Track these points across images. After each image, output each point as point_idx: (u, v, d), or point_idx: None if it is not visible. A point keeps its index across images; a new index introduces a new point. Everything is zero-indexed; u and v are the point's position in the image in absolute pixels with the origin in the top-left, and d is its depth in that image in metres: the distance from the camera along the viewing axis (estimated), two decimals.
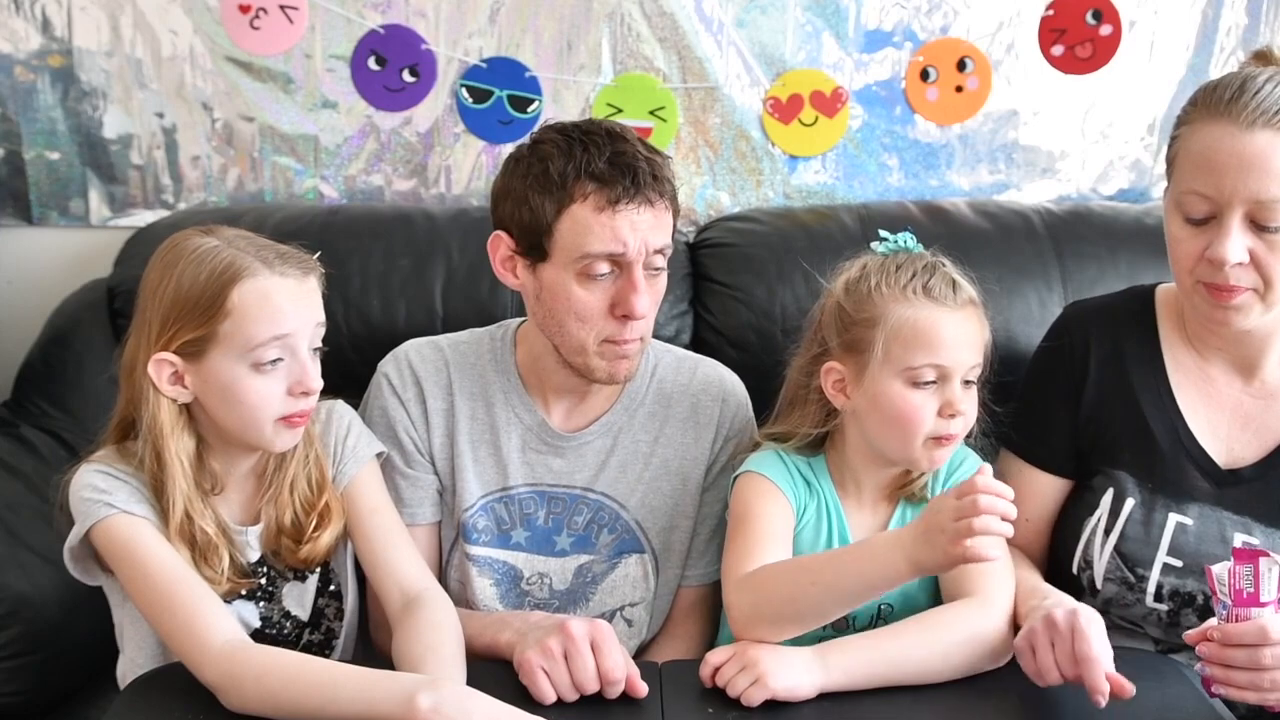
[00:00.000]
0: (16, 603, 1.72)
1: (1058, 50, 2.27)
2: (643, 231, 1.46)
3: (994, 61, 2.28)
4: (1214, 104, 1.34)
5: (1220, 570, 1.25)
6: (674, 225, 1.52)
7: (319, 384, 1.40)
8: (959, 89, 2.28)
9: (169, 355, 1.36)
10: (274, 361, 1.37)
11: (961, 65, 2.27)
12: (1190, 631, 1.26)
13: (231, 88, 2.23)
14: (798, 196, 2.32)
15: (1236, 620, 1.23)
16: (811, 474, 1.51)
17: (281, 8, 2.20)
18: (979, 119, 2.31)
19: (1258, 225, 1.32)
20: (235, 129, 2.25)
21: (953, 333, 1.40)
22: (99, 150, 2.25)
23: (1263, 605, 1.22)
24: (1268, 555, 1.23)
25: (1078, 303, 1.63)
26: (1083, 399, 1.52)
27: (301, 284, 1.39)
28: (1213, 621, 1.26)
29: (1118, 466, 1.50)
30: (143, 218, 2.26)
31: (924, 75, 2.28)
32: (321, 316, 1.41)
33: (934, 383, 1.40)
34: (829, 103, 2.28)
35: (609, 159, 1.44)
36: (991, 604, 1.36)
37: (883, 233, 1.50)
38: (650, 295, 1.49)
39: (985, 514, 1.19)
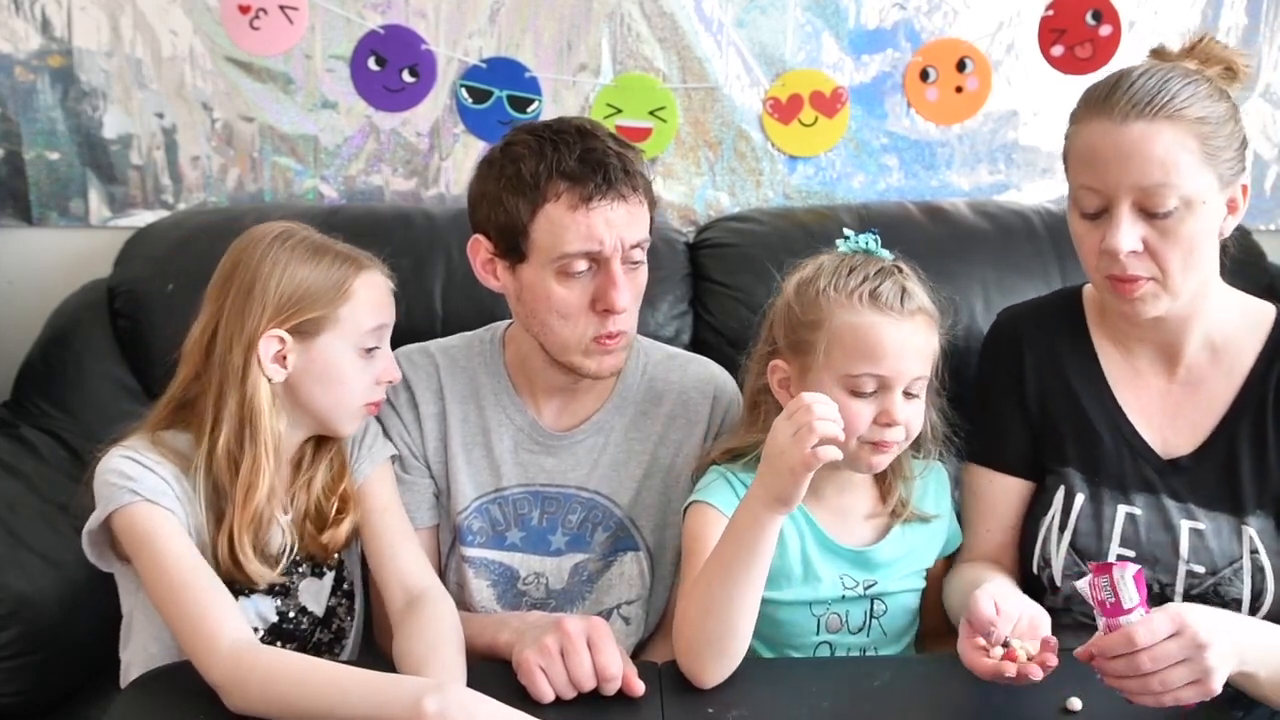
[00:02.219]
0: (16, 603, 1.71)
1: (1057, 50, 2.27)
2: (618, 227, 1.46)
3: (994, 62, 2.27)
4: (1093, 102, 1.40)
5: (1083, 585, 1.25)
6: (651, 218, 1.52)
7: (399, 374, 1.52)
8: (959, 89, 2.28)
9: (281, 332, 1.40)
10: (372, 349, 1.46)
11: (961, 65, 2.27)
12: (1079, 649, 1.24)
13: (231, 88, 2.23)
14: (798, 196, 2.32)
15: (1109, 631, 1.21)
16: None
17: (281, 8, 2.20)
18: (979, 119, 2.31)
19: (1147, 213, 1.36)
20: (235, 129, 2.25)
21: (895, 343, 1.39)
22: (99, 150, 2.25)
23: (1128, 611, 1.20)
24: (1123, 565, 1.22)
25: (1007, 308, 1.65)
26: (1026, 400, 1.54)
27: (388, 281, 1.50)
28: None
29: (1065, 464, 1.52)
30: (142, 218, 2.26)
31: (924, 75, 2.28)
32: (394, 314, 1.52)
33: (874, 392, 1.39)
34: (829, 103, 2.28)
35: (579, 157, 1.45)
36: None
37: (847, 231, 1.49)
38: (630, 289, 1.50)
39: (819, 419, 1.22)
